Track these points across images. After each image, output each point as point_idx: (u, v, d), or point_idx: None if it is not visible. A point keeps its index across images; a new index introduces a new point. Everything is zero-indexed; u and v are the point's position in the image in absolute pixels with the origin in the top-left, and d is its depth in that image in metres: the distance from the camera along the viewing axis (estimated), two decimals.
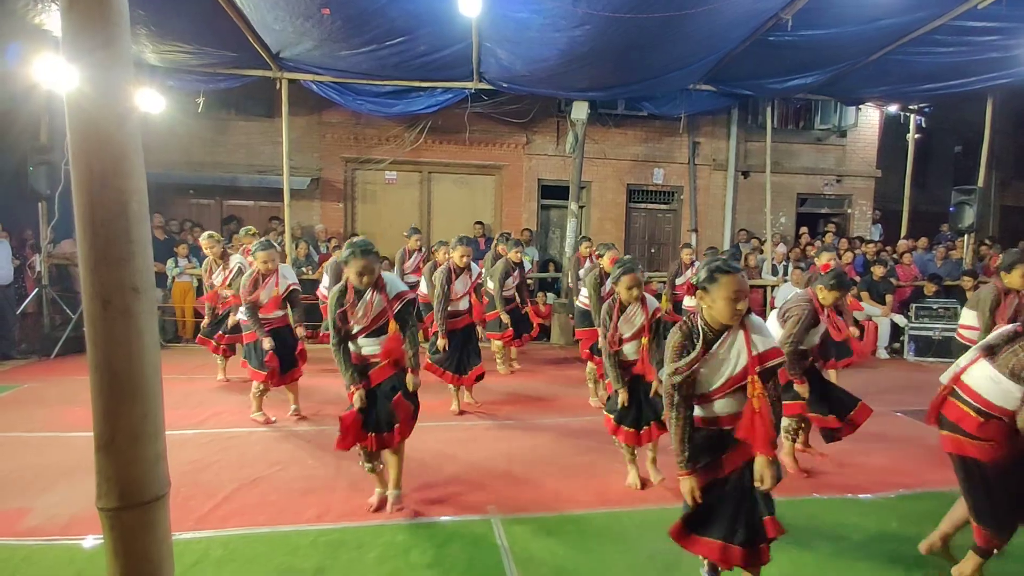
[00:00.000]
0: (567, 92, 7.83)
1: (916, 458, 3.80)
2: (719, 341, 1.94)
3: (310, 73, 7.23)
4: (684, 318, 2.04)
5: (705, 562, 2.18)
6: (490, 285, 5.75)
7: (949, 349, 7.15)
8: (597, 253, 5.58)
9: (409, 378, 2.93)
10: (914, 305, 7.66)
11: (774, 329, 3.38)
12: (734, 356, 1.94)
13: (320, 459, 3.62)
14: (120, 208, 0.94)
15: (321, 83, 7.34)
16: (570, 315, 7.76)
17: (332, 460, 3.54)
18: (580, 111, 7.91)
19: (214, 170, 8.70)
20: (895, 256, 8.69)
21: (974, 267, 8.17)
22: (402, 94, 7.59)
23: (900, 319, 7.66)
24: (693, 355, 1.93)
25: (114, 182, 0.94)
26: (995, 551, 2.25)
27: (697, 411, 2.04)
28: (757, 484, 1.91)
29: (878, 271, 7.76)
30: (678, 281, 6.76)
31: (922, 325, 7.48)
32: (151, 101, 6.95)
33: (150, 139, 7.59)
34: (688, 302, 6.16)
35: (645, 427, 3.21)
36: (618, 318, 3.21)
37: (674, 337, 1.99)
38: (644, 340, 3.19)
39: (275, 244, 4.32)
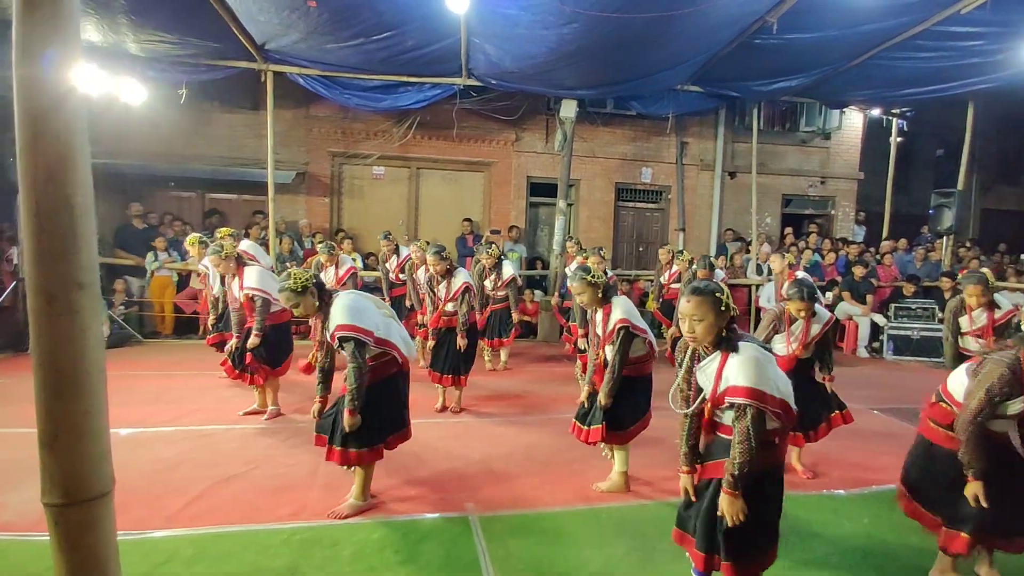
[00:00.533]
0: (556, 90, 7.81)
1: (891, 455, 3.81)
2: (708, 358, 1.98)
3: (296, 66, 7.12)
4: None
5: None
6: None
7: (927, 348, 7.31)
8: (584, 257, 5.67)
9: (345, 417, 2.72)
10: (893, 305, 7.79)
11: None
12: (712, 378, 1.96)
13: (297, 457, 3.58)
14: (65, 202, 0.93)
15: (307, 76, 7.25)
16: (555, 311, 7.80)
17: (309, 458, 3.50)
18: (569, 109, 7.91)
19: (196, 162, 8.54)
20: (878, 257, 8.82)
21: (952, 268, 8.32)
22: (390, 89, 7.50)
23: (880, 319, 7.79)
24: (687, 363, 2.06)
25: (59, 176, 0.92)
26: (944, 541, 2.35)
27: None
28: (720, 515, 1.91)
29: (859, 271, 7.89)
30: (662, 280, 6.84)
31: (901, 325, 7.61)
32: (132, 91, 6.81)
33: (130, 130, 7.63)
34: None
35: (587, 428, 3.16)
36: (593, 320, 3.20)
37: (682, 341, 2.11)
38: (601, 352, 3.11)
39: (221, 248, 4.24)
